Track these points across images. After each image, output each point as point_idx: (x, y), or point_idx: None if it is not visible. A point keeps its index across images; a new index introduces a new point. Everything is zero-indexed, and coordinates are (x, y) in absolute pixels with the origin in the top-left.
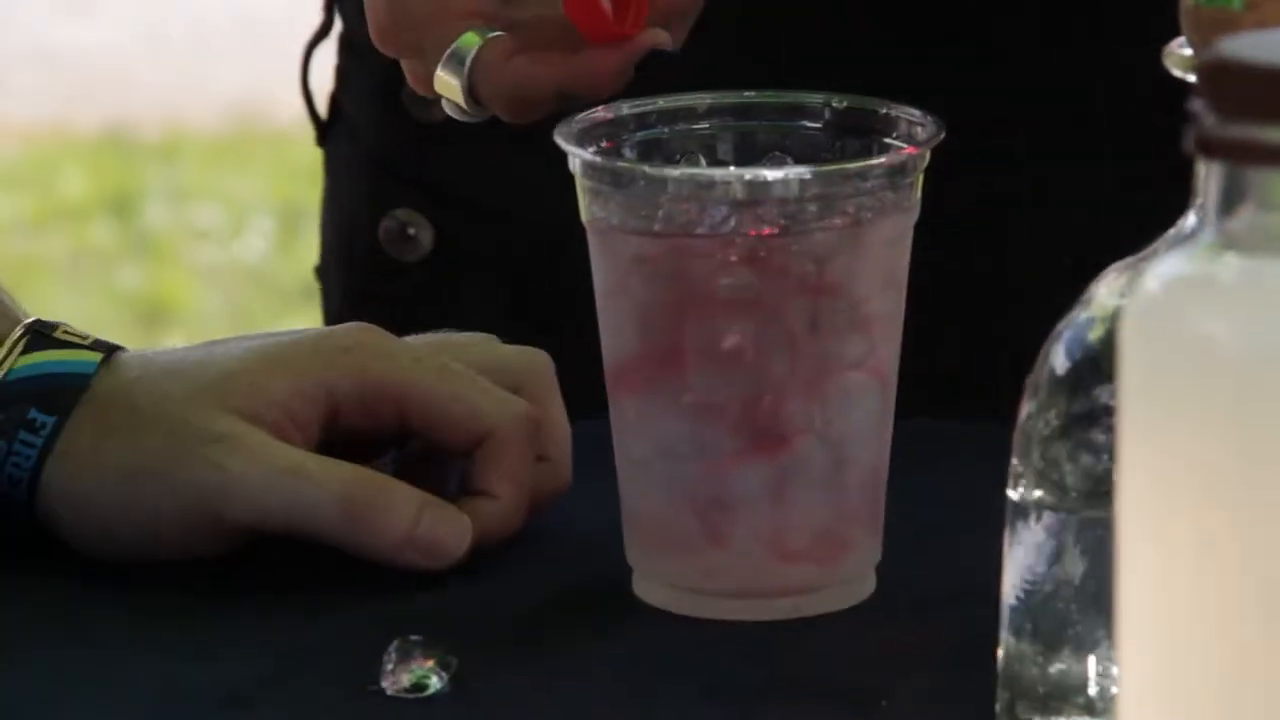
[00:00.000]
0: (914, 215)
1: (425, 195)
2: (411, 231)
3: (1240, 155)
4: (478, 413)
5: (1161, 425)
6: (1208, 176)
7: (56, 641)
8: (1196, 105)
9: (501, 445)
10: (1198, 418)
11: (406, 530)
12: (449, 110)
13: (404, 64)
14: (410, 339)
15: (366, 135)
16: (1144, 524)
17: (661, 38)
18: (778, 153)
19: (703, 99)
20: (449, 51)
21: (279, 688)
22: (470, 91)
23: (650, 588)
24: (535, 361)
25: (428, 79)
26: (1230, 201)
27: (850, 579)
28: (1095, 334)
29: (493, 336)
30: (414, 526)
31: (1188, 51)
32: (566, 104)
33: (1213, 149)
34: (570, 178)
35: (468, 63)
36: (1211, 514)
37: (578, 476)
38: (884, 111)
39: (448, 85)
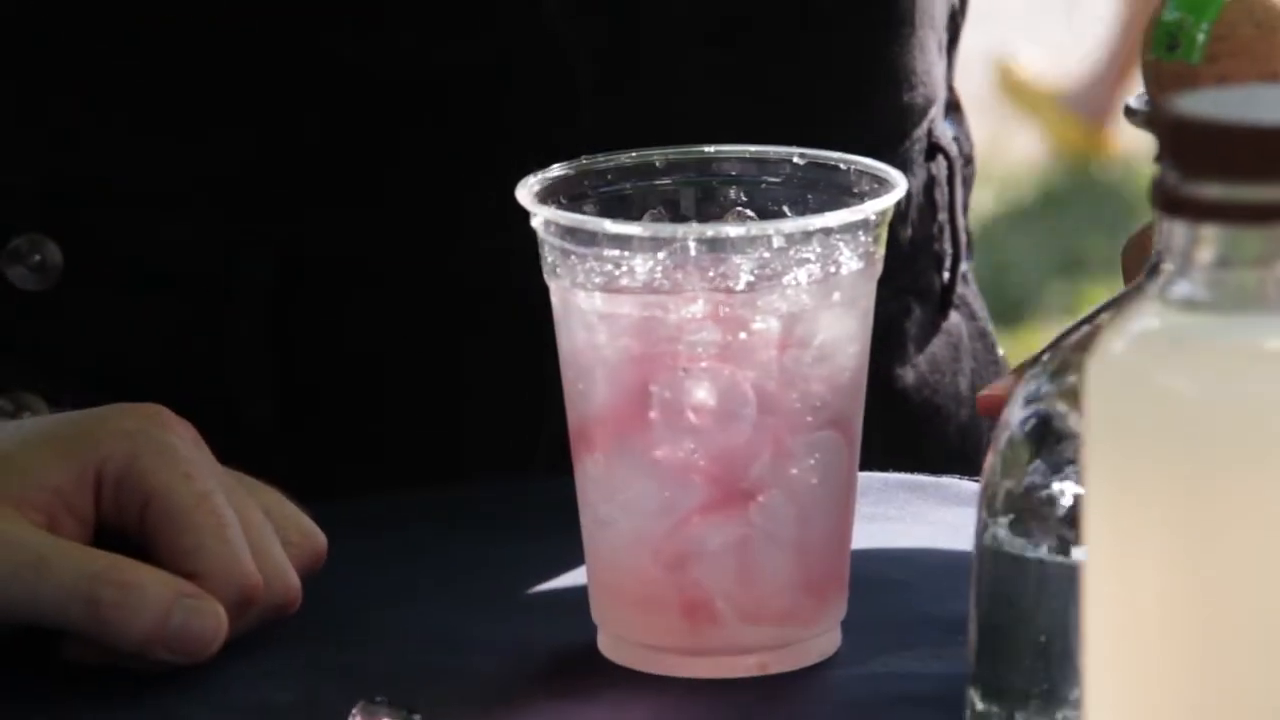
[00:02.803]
0: (878, 270)
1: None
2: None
3: (1201, 213)
4: (199, 555)
5: (1126, 477)
6: (1169, 233)
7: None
8: (1158, 162)
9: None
10: (1161, 470)
11: (152, 629)
12: None
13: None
14: (208, 459)
15: None
16: (1109, 574)
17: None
18: (741, 208)
19: (664, 154)
20: None
21: None
22: None
23: (616, 646)
24: (311, 538)
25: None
26: (1191, 258)
27: (816, 635)
28: (1058, 387)
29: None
30: (162, 624)
31: (1147, 106)
32: None
33: (1174, 206)
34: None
35: None
36: (1176, 564)
37: (543, 535)
38: (846, 167)
39: None
